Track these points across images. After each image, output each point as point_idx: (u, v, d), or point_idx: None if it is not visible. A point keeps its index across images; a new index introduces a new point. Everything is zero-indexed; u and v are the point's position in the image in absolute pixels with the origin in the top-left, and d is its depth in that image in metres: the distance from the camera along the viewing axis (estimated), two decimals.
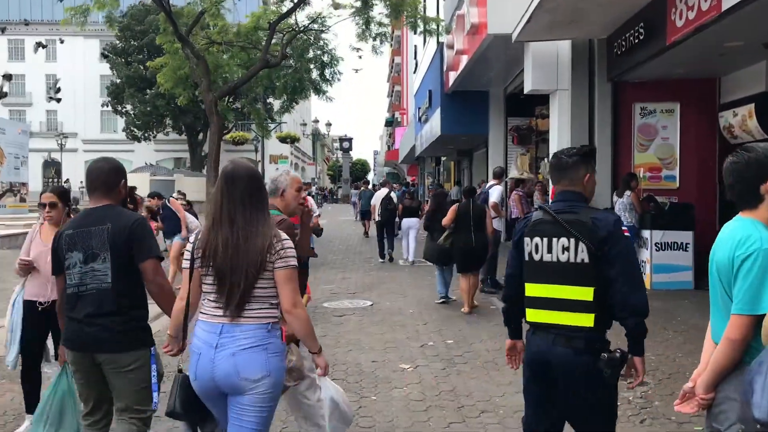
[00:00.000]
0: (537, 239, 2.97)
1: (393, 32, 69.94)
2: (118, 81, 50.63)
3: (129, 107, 51.98)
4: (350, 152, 46.79)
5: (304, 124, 48.49)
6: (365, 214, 20.40)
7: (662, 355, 6.27)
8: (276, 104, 42.50)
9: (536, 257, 2.98)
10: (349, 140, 45.26)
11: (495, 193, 10.34)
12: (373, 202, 15.91)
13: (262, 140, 23.90)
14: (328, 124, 45.03)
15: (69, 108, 61.20)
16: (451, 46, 15.92)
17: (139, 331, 3.29)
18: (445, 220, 8.89)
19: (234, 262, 2.77)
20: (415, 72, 40.13)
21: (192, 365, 2.84)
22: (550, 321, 2.93)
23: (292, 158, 61.75)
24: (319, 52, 19.44)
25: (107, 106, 52.15)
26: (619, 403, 5.08)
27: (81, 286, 3.22)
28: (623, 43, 10.02)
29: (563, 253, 2.88)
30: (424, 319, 8.12)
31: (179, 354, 3.06)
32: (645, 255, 9.80)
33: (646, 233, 9.82)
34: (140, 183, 37.40)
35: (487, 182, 12.38)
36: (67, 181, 51.60)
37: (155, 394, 3.26)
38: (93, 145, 61.92)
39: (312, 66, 19.80)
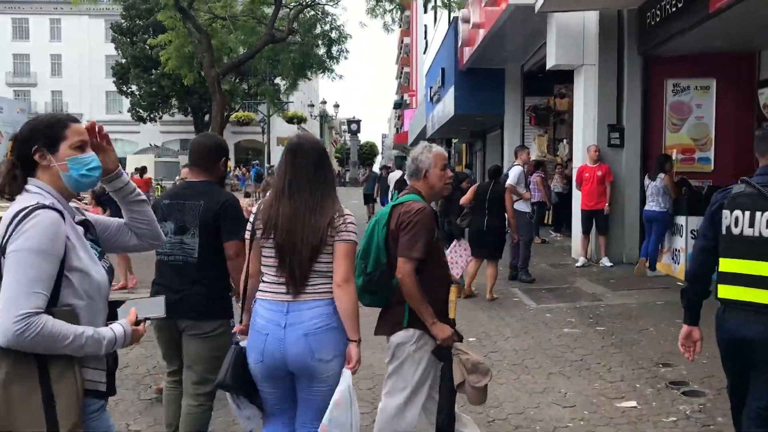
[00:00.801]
0: (738, 212, 2.86)
1: (403, 11, 68.89)
2: (123, 61, 49.88)
3: (134, 88, 51.26)
4: (358, 135, 45.97)
5: (312, 105, 47.54)
6: (368, 198, 20.28)
7: (716, 357, 5.54)
8: (283, 85, 41.79)
9: (735, 231, 2.86)
10: (357, 122, 44.42)
11: (513, 174, 9.52)
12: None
13: (268, 121, 23.06)
14: (336, 106, 44.08)
15: (74, 88, 60.63)
16: (467, 20, 15.11)
17: (222, 300, 3.43)
18: (464, 200, 8.38)
19: (294, 237, 2.74)
20: (425, 52, 39.40)
21: (257, 345, 2.80)
22: (746, 298, 2.82)
23: None
24: (327, 27, 18.61)
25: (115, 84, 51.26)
26: (674, 418, 4.43)
27: (170, 256, 3.37)
28: (658, 12, 9.22)
29: (767, 228, 2.76)
30: None
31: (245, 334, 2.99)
32: (680, 243, 9.04)
33: (681, 220, 9.05)
34: (145, 164, 36.75)
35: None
36: None
37: None
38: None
39: (320, 42, 18.98)
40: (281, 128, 53.35)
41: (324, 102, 44.83)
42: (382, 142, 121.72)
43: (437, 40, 25.48)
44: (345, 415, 2.70)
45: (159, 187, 28.84)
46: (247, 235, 2.94)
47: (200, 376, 3.41)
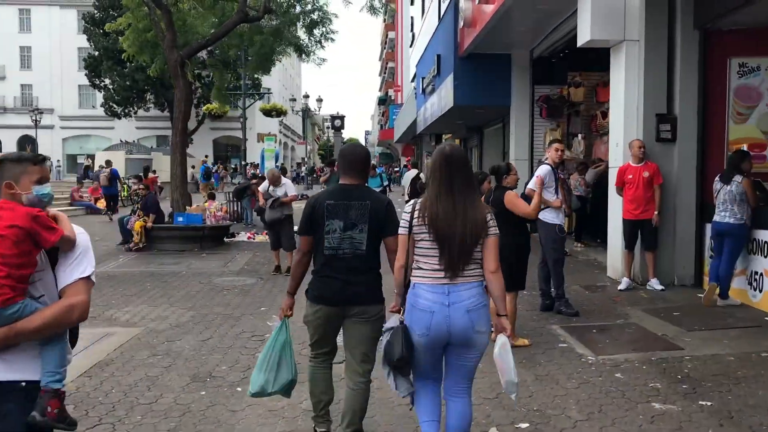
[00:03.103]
0: None
1: (387, 5, 66.97)
2: (96, 53, 47.37)
3: (108, 81, 48.72)
4: (342, 131, 43.86)
5: (294, 100, 45.29)
6: None
7: None
8: (264, 80, 39.26)
9: None
10: (341, 118, 42.08)
11: (537, 174, 7.34)
12: (403, 182, 16.19)
13: (244, 113, 20.84)
14: (320, 100, 41.79)
15: (45, 82, 57.86)
16: None
17: (380, 288, 3.83)
18: None
19: (455, 230, 3.21)
20: (411, 46, 37.77)
21: (425, 321, 3.24)
22: None
23: (280, 136, 58.54)
24: (308, 7, 16.46)
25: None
26: None
27: (339, 250, 3.69)
28: None
29: None
30: None
31: (401, 310, 3.41)
32: (763, 264, 7.07)
33: (762, 234, 7.09)
34: (114, 162, 34.22)
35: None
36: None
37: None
38: (71, 121, 58.68)
39: (298, 24, 16.81)
40: (262, 124, 50.93)
41: (307, 96, 42.49)
42: (366, 139, 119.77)
43: (426, 30, 23.54)
44: (509, 358, 3.28)
45: (125, 186, 26.43)
46: (404, 231, 3.36)
47: (365, 355, 3.77)
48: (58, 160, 52.32)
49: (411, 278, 3.34)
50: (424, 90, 21.50)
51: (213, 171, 39.92)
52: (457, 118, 18.44)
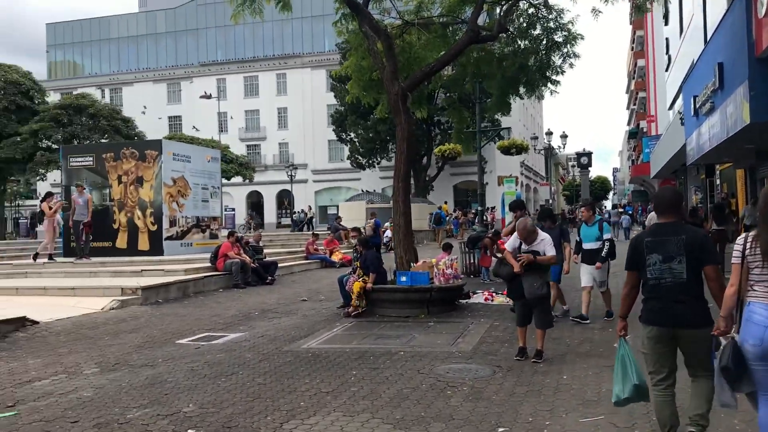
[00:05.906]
0: None
1: (635, 33, 62.02)
2: (342, 108, 49.45)
3: (353, 135, 50.66)
4: (589, 169, 40.21)
5: (535, 138, 42.57)
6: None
7: None
8: (503, 119, 37.31)
9: None
10: (588, 155, 38.64)
11: None
12: (647, 222, 15.06)
13: (478, 153, 18.73)
14: (564, 136, 38.60)
15: (299, 139, 62.00)
16: None
17: (708, 312, 4.19)
18: None
19: None
20: (667, 69, 33.53)
21: (758, 333, 3.59)
22: None
23: (522, 178, 55.98)
24: (551, 25, 13.93)
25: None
26: None
27: (661, 279, 4.23)
28: None
29: None
30: None
31: (728, 333, 3.83)
32: None
33: None
34: (356, 211, 34.05)
35: None
36: (302, 211, 50.95)
37: (714, 360, 3.95)
38: (321, 175, 61.94)
39: (541, 48, 14.30)
40: (502, 166, 48.88)
41: (550, 133, 39.55)
42: (614, 176, 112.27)
43: (689, 45, 19.80)
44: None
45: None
46: (737, 260, 3.76)
47: (702, 361, 4.19)
48: (310, 207, 54.87)
49: (746, 298, 3.70)
50: (696, 112, 17.66)
51: (454, 217, 38.66)
52: (747, 140, 14.45)
